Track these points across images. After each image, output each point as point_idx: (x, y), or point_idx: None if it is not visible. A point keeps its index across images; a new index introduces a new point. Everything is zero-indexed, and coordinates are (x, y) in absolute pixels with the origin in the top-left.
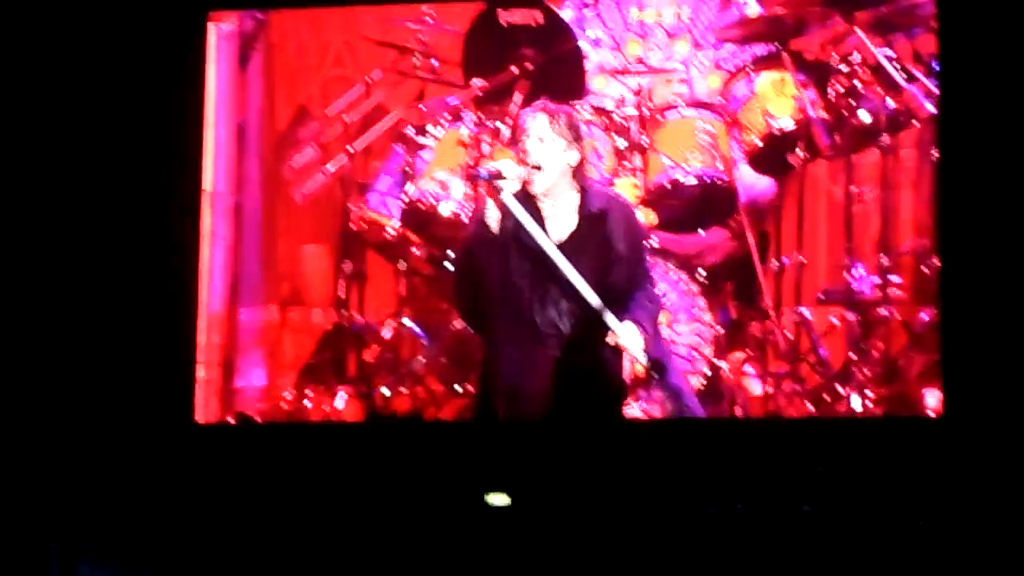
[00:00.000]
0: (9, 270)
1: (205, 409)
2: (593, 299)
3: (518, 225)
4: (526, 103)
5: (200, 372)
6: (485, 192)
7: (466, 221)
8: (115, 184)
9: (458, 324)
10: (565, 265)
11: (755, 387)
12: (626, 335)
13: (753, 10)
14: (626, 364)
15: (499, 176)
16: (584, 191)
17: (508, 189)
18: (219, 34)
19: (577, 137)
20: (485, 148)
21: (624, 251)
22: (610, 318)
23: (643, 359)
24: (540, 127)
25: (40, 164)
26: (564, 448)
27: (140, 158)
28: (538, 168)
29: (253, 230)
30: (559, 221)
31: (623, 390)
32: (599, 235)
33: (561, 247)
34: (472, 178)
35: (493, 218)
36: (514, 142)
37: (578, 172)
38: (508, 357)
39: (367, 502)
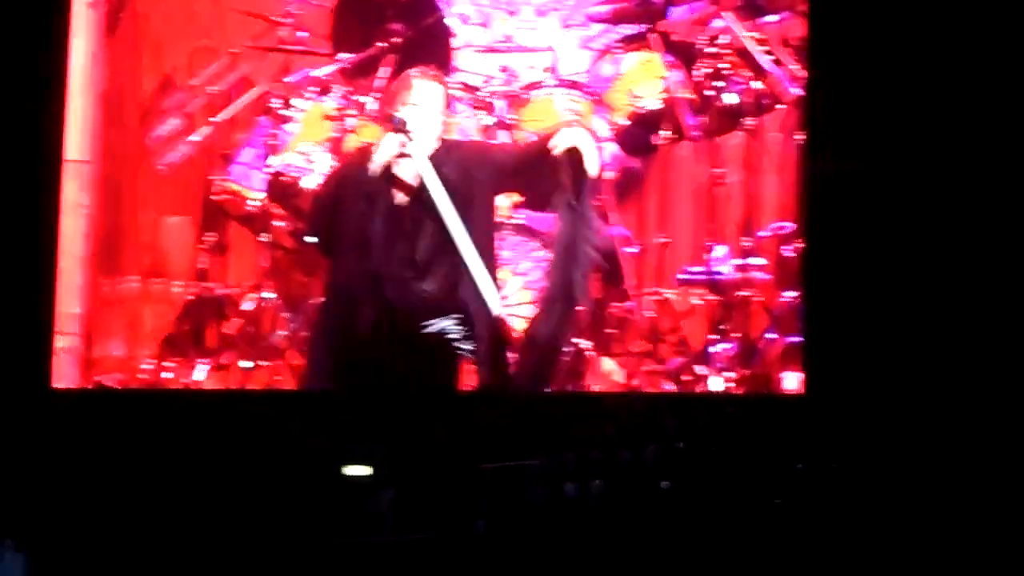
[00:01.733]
0: None
1: (64, 377)
2: (470, 252)
3: (389, 171)
4: (393, 77)
5: (59, 341)
6: (389, 132)
7: None
8: None
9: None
10: (454, 220)
11: (615, 366)
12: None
13: None
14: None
15: (404, 126)
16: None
17: (413, 139)
18: (85, 1)
19: (448, 107)
20: (350, 122)
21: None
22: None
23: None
24: (435, 98)
25: None
26: (412, 414)
27: (1, 125)
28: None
29: (115, 200)
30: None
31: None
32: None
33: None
34: (387, 118)
35: (379, 161)
36: (388, 102)
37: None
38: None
39: (223, 471)
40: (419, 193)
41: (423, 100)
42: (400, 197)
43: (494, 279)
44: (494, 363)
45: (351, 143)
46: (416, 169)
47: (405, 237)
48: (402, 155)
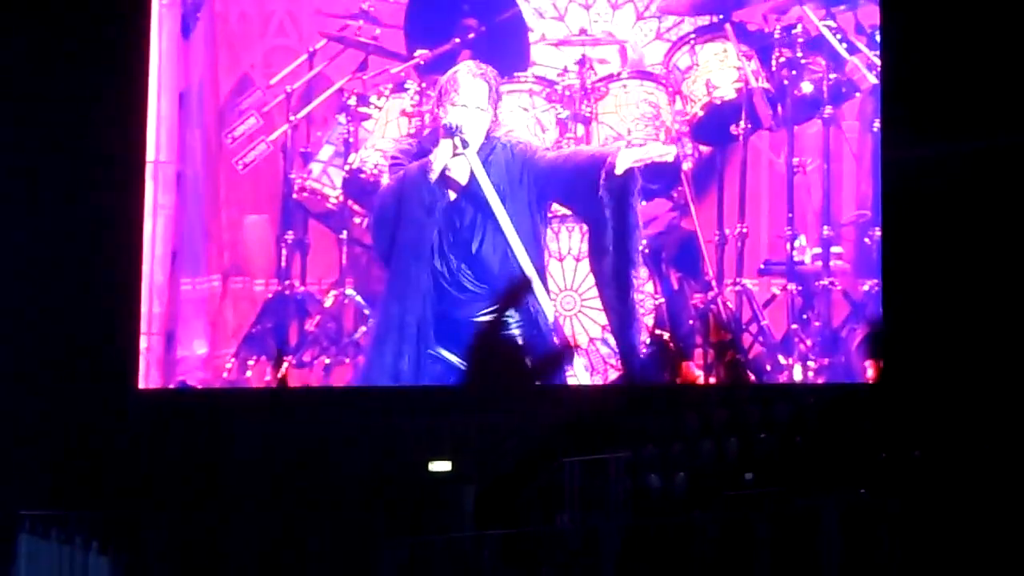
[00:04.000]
0: None
1: (147, 377)
2: (523, 258)
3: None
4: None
5: (144, 342)
6: (454, 145)
7: None
8: (60, 154)
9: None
10: (508, 227)
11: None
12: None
13: None
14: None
15: (460, 131)
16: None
17: (471, 144)
18: (162, 3)
19: (496, 104)
20: (427, 118)
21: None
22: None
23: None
24: (480, 96)
25: None
26: (494, 412)
27: (84, 129)
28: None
29: (195, 200)
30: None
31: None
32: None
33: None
34: (448, 132)
35: (437, 168)
36: (441, 98)
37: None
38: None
39: (307, 467)
40: (472, 190)
41: (470, 98)
42: (455, 196)
43: (543, 274)
44: (549, 356)
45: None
46: (469, 168)
47: (460, 233)
48: (456, 155)
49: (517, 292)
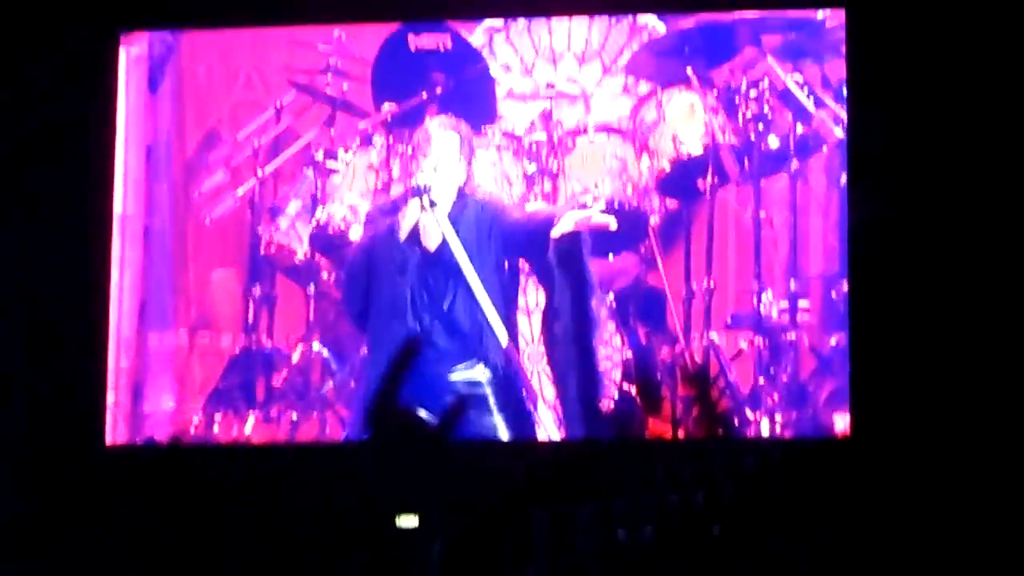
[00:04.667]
0: None
1: (114, 432)
2: (492, 314)
3: (417, 237)
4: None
5: (111, 397)
6: (420, 205)
7: None
8: (25, 207)
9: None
10: (477, 285)
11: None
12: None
13: (660, 31)
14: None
15: (429, 190)
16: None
17: (440, 204)
18: (129, 57)
19: (470, 158)
20: (395, 172)
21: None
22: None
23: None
24: (451, 147)
25: None
26: (463, 466)
27: (50, 181)
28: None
29: (162, 254)
30: (433, 231)
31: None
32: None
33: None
34: (416, 192)
35: (406, 227)
36: (413, 153)
37: (460, 189)
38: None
39: (273, 523)
40: (441, 248)
41: (442, 151)
42: (426, 255)
43: (514, 330)
44: (519, 411)
45: (395, 192)
46: (439, 228)
47: (432, 291)
48: (425, 214)
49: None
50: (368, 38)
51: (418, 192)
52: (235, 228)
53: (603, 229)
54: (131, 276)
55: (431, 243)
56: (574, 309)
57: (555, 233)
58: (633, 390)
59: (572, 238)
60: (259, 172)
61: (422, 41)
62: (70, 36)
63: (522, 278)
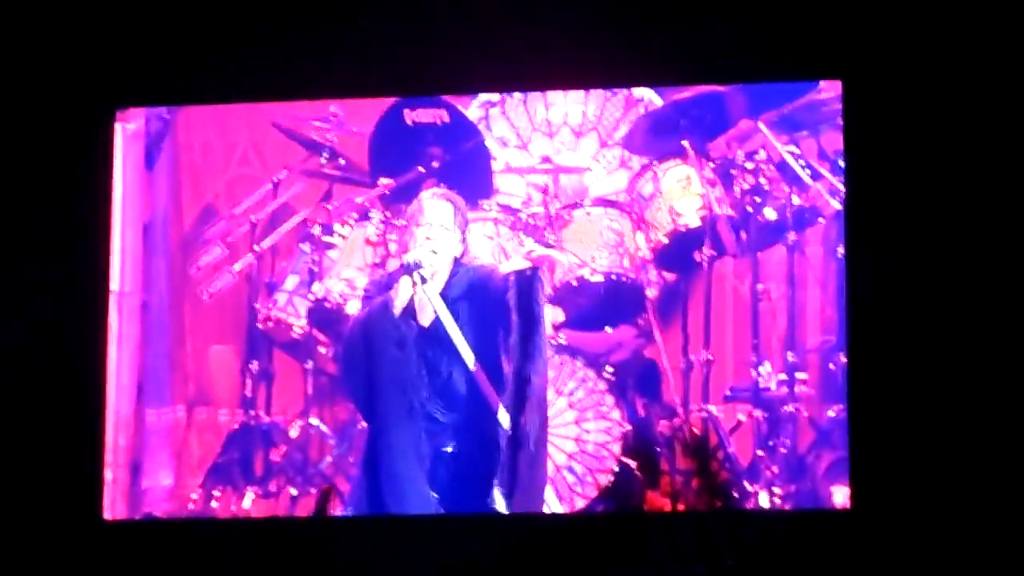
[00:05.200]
0: None
1: (113, 510)
2: (488, 390)
3: (412, 312)
4: None
5: (109, 473)
6: (412, 281)
7: None
8: (21, 285)
9: (365, 424)
10: (469, 358)
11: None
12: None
13: (656, 103)
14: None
15: (420, 266)
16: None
17: (433, 279)
18: (125, 133)
19: (464, 227)
20: (392, 247)
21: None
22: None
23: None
24: (444, 216)
25: None
26: (454, 543)
27: (46, 258)
28: (434, 253)
29: (160, 330)
30: (426, 306)
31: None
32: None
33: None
34: (407, 269)
35: (400, 304)
36: (407, 225)
37: (456, 261)
38: (393, 441)
39: None
40: (436, 323)
41: (434, 219)
42: (422, 330)
43: (519, 404)
44: (519, 484)
45: (392, 266)
46: (431, 304)
47: (429, 364)
48: (418, 291)
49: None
50: (365, 113)
51: (409, 269)
52: (232, 303)
53: (548, 262)
54: (128, 352)
55: (425, 319)
56: (521, 344)
57: (504, 269)
58: (632, 463)
59: (525, 276)
60: (256, 247)
61: (418, 115)
62: (66, 112)
63: None
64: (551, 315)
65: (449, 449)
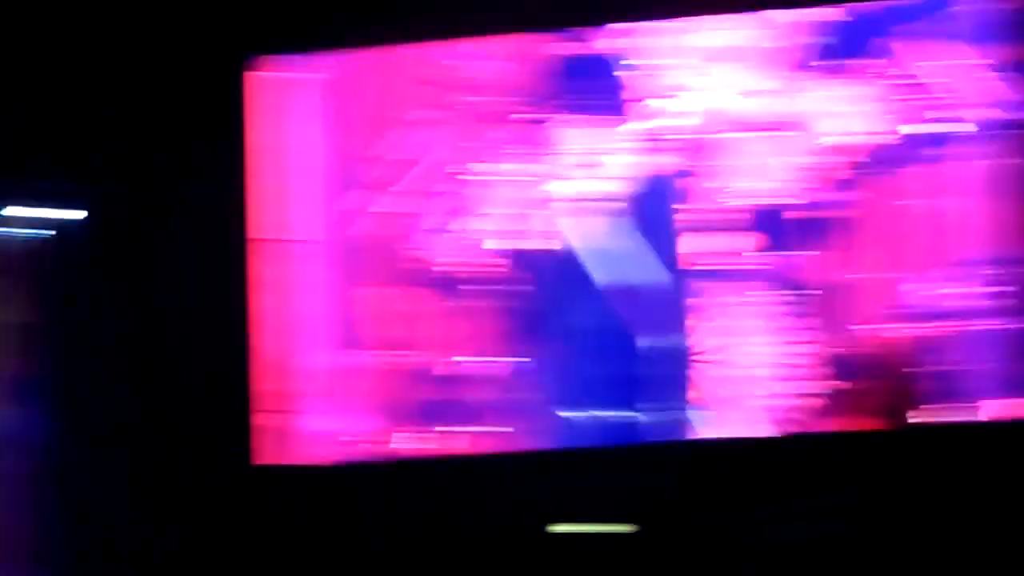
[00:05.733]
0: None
1: (266, 454)
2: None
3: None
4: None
5: (259, 419)
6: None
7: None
8: (169, 234)
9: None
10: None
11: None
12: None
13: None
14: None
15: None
16: None
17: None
18: (260, 81)
19: (602, 156)
20: (532, 179)
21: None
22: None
23: None
24: (582, 144)
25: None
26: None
27: (194, 207)
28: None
29: (310, 274)
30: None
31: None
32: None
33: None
34: (548, 200)
35: (543, 233)
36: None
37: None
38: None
39: (428, 540)
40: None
41: (573, 149)
42: (568, 256)
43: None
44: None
45: (532, 199)
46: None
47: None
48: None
49: None
50: (499, 48)
51: (550, 199)
52: (383, 244)
53: None
54: (280, 297)
55: (571, 244)
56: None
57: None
58: (817, 385)
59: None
60: (395, 187)
61: (554, 48)
62: (199, 62)
63: None
64: (733, 240)
65: (638, 372)
